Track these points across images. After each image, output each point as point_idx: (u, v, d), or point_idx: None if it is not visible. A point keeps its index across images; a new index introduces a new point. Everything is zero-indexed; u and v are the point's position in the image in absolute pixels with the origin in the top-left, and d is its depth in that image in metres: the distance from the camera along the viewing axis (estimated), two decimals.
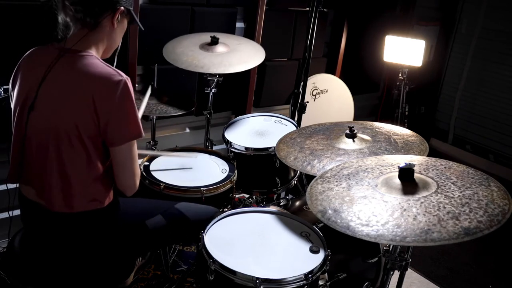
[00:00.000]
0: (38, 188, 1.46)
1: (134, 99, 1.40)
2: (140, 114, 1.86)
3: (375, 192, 1.29)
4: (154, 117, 2.45)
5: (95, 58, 1.43)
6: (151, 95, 2.38)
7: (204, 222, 1.60)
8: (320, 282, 1.56)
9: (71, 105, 1.37)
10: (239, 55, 2.38)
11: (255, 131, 2.38)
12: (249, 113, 3.07)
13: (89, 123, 1.37)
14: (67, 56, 1.42)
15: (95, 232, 1.51)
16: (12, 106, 1.48)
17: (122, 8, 1.46)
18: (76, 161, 1.40)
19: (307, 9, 2.99)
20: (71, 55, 1.42)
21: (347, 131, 1.77)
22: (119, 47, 1.65)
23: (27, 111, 1.42)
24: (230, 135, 2.32)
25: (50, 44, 1.47)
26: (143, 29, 1.65)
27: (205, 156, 2.18)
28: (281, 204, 2.38)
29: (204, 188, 1.87)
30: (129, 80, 1.40)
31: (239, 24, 3.07)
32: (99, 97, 1.35)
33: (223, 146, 2.39)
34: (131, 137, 1.42)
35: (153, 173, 1.97)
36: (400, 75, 3.51)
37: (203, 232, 1.53)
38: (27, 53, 1.51)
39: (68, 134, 1.37)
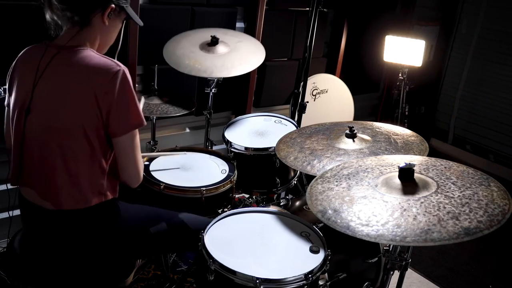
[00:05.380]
0: (41, 189, 1.46)
1: (133, 88, 1.40)
2: None
3: (375, 192, 1.29)
4: (154, 117, 2.45)
5: (90, 51, 1.42)
6: (150, 95, 2.38)
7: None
8: (320, 282, 1.56)
9: (73, 103, 1.37)
10: (240, 54, 2.38)
11: (255, 131, 2.38)
12: (249, 113, 3.07)
13: (92, 117, 1.37)
14: (61, 53, 1.41)
15: (97, 228, 1.51)
16: (11, 107, 1.48)
17: (113, 5, 1.45)
18: (80, 156, 1.40)
19: (307, 9, 2.99)
20: (65, 52, 1.41)
21: (347, 131, 1.77)
22: (120, 47, 1.64)
23: (24, 114, 1.42)
24: (230, 135, 2.32)
25: (43, 42, 1.47)
26: (141, 24, 1.62)
27: (205, 156, 2.18)
28: (281, 204, 2.38)
29: (204, 188, 1.86)
30: (127, 69, 1.40)
31: (239, 24, 3.07)
32: (100, 91, 1.35)
33: (223, 146, 2.39)
34: (133, 126, 1.42)
35: (153, 173, 1.97)
36: (400, 75, 3.51)
37: (203, 232, 1.53)
38: (21, 52, 1.51)
39: (72, 130, 1.37)
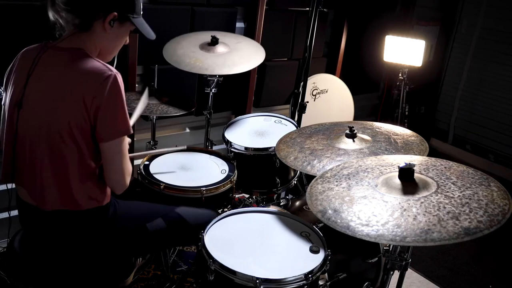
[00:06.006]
0: (30, 188, 1.46)
1: (124, 94, 1.39)
2: (136, 115, 1.86)
3: (375, 192, 1.29)
4: (154, 117, 2.45)
5: (85, 54, 1.41)
6: (150, 95, 2.38)
7: (203, 226, 1.60)
8: (320, 282, 1.56)
9: (62, 102, 1.36)
10: (240, 54, 2.38)
11: (255, 131, 2.38)
12: (249, 113, 3.07)
13: (80, 120, 1.36)
14: (57, 53, 1.41)
15: (94, 231, 1.51)
16: (6, 104, 1.48)
17: (115, 13, 1.42)
18: (69, 158, 1.39)
19: (307, 9, 2.98)
20: (61, 52, 1.41)
21: (347, 131, 1.77)
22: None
23: (17, 110, 1.42)
24: (230, 135, 2.32)
25: (43, 42, 1.47)
26: (153, 37, 1.57)
27: (205, 156, 2.18)
28: (281, 204, 2.38)
29: (204, 188, 1.86)
30: (119, 75, 1.38)
31: (239, 24, 3.07)
32: (89, 93, 1.34)
33: (223, 146, 2.39)
34: (120, 133, 1.40)
35: (153, 173, 1.97)
36: (400, 75, 3.51)
37: (203, 232, 1.53)
38: (20, 52, 1.50)
39: (60, 132, 1.36)
